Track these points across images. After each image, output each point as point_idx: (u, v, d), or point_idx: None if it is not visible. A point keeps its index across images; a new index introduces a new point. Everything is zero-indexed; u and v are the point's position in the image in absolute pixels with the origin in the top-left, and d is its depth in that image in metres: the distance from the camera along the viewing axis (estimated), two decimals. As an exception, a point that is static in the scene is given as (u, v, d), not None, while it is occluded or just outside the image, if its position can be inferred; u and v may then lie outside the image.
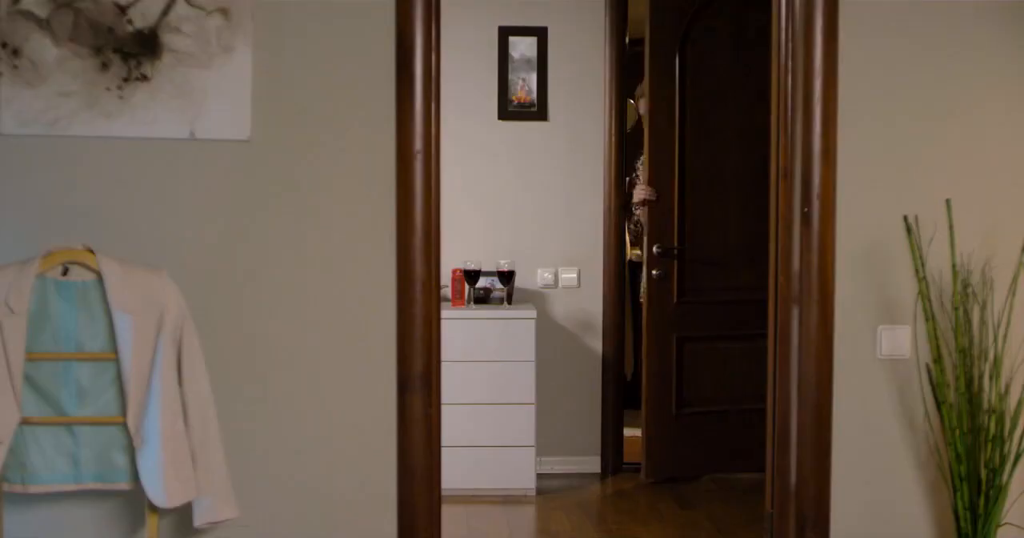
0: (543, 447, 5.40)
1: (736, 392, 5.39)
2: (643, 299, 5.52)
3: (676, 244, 5.33)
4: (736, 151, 5.35)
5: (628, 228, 5.61)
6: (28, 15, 3.24)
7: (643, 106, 5.57)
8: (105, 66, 3.26)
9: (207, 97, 3.30)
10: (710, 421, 5.43)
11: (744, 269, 5.33)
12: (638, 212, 5.58)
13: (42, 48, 3.25)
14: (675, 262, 5.33)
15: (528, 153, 5.58)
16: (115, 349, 3.01)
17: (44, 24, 3.25)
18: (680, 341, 5.40)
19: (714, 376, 5.44)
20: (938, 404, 3.41)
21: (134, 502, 3.25)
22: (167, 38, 3.28)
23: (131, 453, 3.03)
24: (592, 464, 5.63)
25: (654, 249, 5.28)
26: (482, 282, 5.33)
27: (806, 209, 3.49)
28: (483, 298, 5.32)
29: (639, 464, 5.57)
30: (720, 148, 5.38)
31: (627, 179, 5.67)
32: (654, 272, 5.27)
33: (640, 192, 5.32)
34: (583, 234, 5.57)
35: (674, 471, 5.44)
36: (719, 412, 5.43)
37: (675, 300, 5.36)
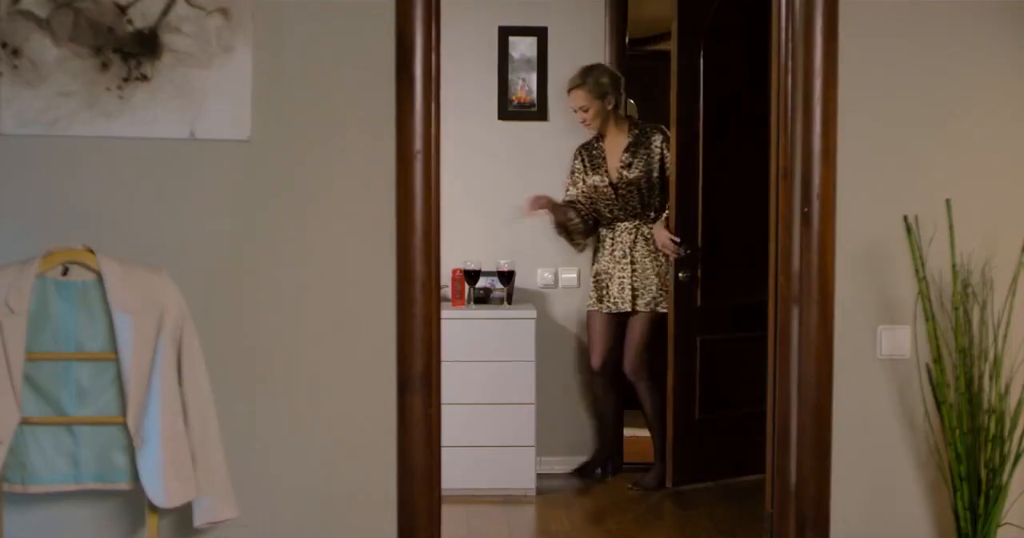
0: (543, 447, 5.38)
1: (758, 394, 5.25)
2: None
3: (700, 246, 5.20)
4: (758, 150, 5.22)
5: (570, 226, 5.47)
6: (28, 15, 3.24)
7: (578, 98, 5.28)
8: (105, 66, 3.26)
9: (207, 97, 3.30)
10: (733, 425, 5.30)
11: (765, 270, 5.23)
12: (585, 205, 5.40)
13: (42, 48, 3.25)
14: (699, 265, 5.20)
15: (528, 153, 5.58)
16: (115, 349, 3.01)
17: (44, 24, 3.25)
18: (704, 344, 5.26)
19: (737, 379, 5.26)
20: (938, 404, 3.41)
21: (134, 502, 3.25)
22: (167, 38, 3.28)
23: (131, 453, 3.03)
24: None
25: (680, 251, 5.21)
26: (482, 282, 5.32)
27: (806, 209, 3.49)
28: (483, 298, 5.31)
29: (639, 464, 5.56)
30: (743, 147, 5.23)
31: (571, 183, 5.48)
32: (680, 275, 5.15)
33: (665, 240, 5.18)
34: (583, 234, 5.56)
35: (698, 476, 5.30)
36: (742, 415, 5.25)
37: (699, 303, 5.23)
